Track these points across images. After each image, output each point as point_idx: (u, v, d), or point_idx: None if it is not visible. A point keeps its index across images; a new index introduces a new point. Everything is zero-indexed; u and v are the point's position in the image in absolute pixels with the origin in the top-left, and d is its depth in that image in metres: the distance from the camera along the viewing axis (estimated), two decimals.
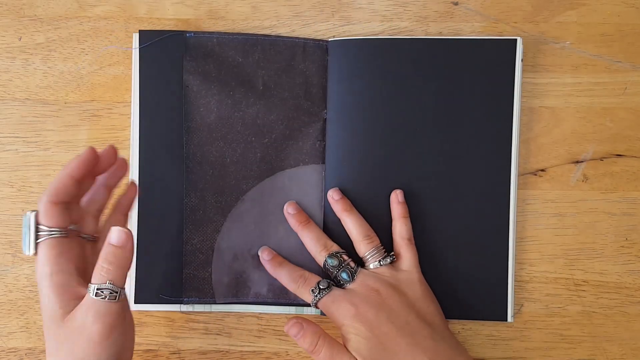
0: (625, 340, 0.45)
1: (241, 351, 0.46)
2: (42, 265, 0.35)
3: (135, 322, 0.45)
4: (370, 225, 0.43)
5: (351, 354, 0.39)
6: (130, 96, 0.45)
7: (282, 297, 0.45)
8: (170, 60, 0.45)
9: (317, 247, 0.43)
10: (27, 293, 0.46)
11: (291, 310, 0.45)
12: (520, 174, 0.45)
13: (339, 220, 0.44)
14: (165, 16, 0.46)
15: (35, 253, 0.35)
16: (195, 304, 0.45)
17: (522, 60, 0.44)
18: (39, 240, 0.35)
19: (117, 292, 0.34)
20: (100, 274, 0.34)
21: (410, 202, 0.44)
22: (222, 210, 0.45)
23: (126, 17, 0.46)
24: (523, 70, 0.45)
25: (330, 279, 0.42)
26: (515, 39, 0.44)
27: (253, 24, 0.46)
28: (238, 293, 0.44)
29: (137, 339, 0.45)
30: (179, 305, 0.44)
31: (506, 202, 0.44)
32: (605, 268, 0.45)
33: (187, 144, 0.45)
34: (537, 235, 0.45)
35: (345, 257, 0.42)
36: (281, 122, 0.45)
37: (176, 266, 0.45)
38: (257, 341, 0.46)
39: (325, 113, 0.45)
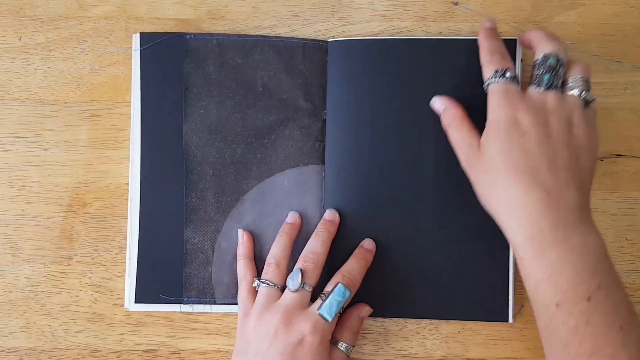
0: None
1: None
2: (330, 333, 0.41)
3: (135, 322, 0.45)
4: (370, 225, 0.44)
5: (480, 142, 0.39)
6: (130, 96, 0.45)
7: None
8: (171, 61, 0.45)
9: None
10: (27, 293, 0.46)
11: None
12: None
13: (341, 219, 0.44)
14: (165, 16, 0.46)
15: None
16: (195, 304, 0.45)
17: (522, 60, 0.44)
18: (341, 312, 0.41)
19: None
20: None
21: (410, 202, 0.44)
22: (222, 210, 0.45)
23: (126, 17, 0.46)
24: (523, 71, 0.45)
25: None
26: (515, 39, 0.43)
27: (253, 24, 0.46)
28: (238, 293, 0.44)
29: (137, 339, 0.45)
30: (179, 305, 0.44)
31: None
32: None
33: (187, 145, 0.45)
34: None
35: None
36: (281, 122, 0.45)
37: (176, 266, 0.45)
38: None
39: (325, 113, 0.45)
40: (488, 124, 0.38)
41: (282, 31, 0.46)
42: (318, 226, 0.43)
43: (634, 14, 0.46)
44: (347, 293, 0.41)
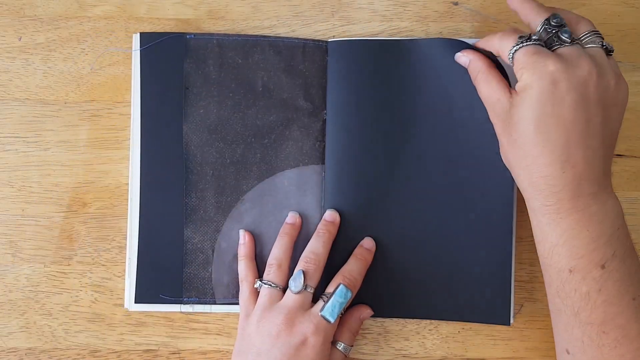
0: None
1: None
2: (332, 334, 0.41)
3: (135, 322, 0.45)
4: (370, 225, 0.44)
5: (509, 98, 0.37)
6: (130, 96, 0.45)
7: None
8: (171, 61, 0.45)
9: None
10: (27, 293, 0.46)
11: None
12: None
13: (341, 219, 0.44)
14: (165, 16, 0.46)
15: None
16: (195, 304, 0.45)
17: None
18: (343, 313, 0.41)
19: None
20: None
21: (410, 202, 0.44)
22: (222, 210, 0.45)
23: (126, 17, 0.46)
24: None
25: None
26: None
27: (253, 24, 0.46)
28: (238, 293, 0.44)
29: (137, 339, 0.45)
30: (179, 305, 0.44)
31: (509, 203, 0.44)
32: None
33: (187, 145, 0.45)
34: None
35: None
36: (281, 122, 0.45)
37: (176, 266, 0.45)
38: None
39: (325, 114, 0.45)
40: (521, 87, 0.36)
41: (282, 31, 0.46)
42: (319, 227, 0.43)
43: (634, 14, 0.46)
44: (349, 294, 0.41)
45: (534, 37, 0.37)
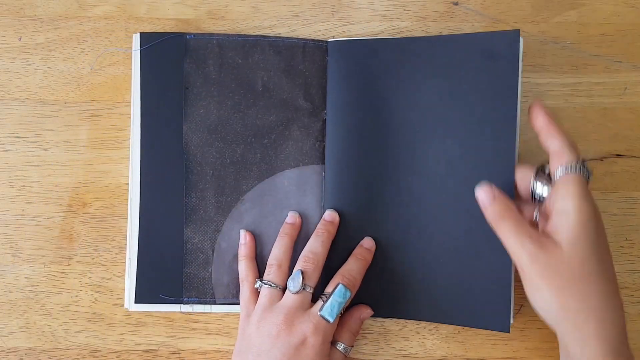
0: None
1: None
2: (332, 334, 0.41)
3: (135, 322, 0.45)
4: (370, 226, 0.44)
5: (547, 234, 0.35)
6: (130, 96, 0.45)
7: None
8: (171, 61, 0.45)
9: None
10: (27, 293, 0.46)
11: None
12: None
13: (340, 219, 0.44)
14: (165, 16, 0.46)
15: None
16: (195, 304, 0.45)
17: (521, 60, 0.44)
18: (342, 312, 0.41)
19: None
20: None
21: (410, 202, 0.44)
22: (222, 210, 0.45)
23: (126, 17, 0.46)
24: (523, 70, 0.45)
25: None
26: (517, 30, 0.42)
27: (253, 24, 0.46)
28: (238, 293, 0.44)
29: (137, 339, 0.45)
30: (179, 305, 0.44)
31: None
32: None
33: (187, 145, 0.45)
34: None
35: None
36: (281, 122, 0.45)
37: (176, 265, 0.45)
38: None
39: (325, 114, 0.45)
40: (573, 221, 0.35)
41: (282, 31, 0.46)
42: (318, 226, 0.43)
43: (634, 14, 0.46)
44: (348, 294, 0.41)
45: (585, 166, 0.36)
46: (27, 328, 0.46)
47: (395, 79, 0.44)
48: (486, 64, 0.43)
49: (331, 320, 0.40)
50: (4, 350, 0.45)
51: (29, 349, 0.46)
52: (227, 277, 0.45)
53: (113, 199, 0.46)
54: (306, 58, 0.45)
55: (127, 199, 0.45)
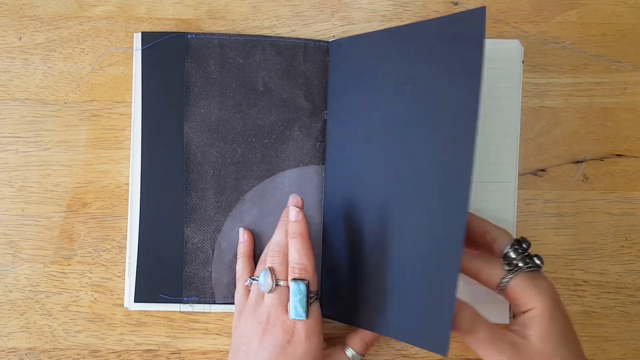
0: (625, 340, 0.45)
1: None
2: (318, 324, 0.39)
3: (135, 322, 0.45)
4: (370, 226, 0.43)
5: (524, 336, 0.38)
6: (131, 96, 0.45)
7: None
8: (172, 61, 0.45)
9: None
10: (27, 293, 0.46)
11: None
12: (520, 174, 0.45)
13: (338, 220, 0.43)
14: (165, 16, 0.46)
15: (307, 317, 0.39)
16: (195, 303, 0.45)
17: (522, 61, 0.44)
18: (311, 303, 0.39)
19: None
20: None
21: (410, 202, 0.44)
22: (222, 209, 0.45)
23: (126, 17, 0.46)
24: (523, 70, 0.45)
25: None
26: (483, 7, 0.37)
27: (253, 24, 0.46)
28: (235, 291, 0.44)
29: (137, 339, 0.45)
30: (178, 305, 0.44)
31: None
32: (605, 268, 0.45)
33: (188, 145, 0.45)
34: (537, 235, 0.45)
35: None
36: (281, 122, 0.45)
37: (176, 265, 0.45)
38: None
39: (326, 114, 0.45)
40: (538, 315, 0.38)
41: (282, 31, 0.46)
42: (281, 216, 0.42)
43: (634, 14, 0.46)
44: (302, 286, 0.38)
45: (519, 264, 0.39)
46: (27, 328, 0.46)
47: (396, 79, 0.44)
48: (448, 49, 0.37)
49: (304, 317, 0.38)
50: (4, 350, 0.45)
51: (29, 349, 0.46)
52: (227, 276, 0.45)
53: (113, 199, 0.46)
54: (307, 58, 0.45)
55: (127, 199, 0.45)
